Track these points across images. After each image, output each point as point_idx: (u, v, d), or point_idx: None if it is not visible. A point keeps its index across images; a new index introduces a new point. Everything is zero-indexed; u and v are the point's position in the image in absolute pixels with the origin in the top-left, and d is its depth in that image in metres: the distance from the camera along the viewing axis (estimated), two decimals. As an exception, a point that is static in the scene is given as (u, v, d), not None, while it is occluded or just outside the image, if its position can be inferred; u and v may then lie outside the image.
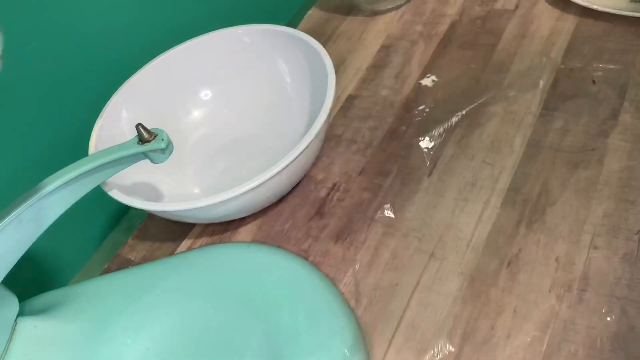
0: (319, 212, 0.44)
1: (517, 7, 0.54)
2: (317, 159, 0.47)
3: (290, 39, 0.47)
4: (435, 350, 0.34)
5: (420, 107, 0.49)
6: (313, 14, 0.63)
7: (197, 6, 0.54)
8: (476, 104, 0.47)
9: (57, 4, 0.42)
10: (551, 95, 0.46)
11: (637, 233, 0.36)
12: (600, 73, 0.45)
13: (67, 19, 0.43)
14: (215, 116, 0.51)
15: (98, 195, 0.38)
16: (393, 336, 0.36)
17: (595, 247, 0.36)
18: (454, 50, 0.53)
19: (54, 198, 0.33)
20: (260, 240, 0.44)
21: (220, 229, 0.45)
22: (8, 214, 0.30)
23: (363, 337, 0.36)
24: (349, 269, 0.40)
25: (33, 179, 0.33)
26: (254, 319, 0.35)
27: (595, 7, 0.49)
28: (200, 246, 0.44)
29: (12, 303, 0.33)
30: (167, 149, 0.35)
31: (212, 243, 0.44)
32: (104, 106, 0.45)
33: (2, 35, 0.21)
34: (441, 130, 0.46)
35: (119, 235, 0.51)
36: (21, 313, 0.33)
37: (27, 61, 0.41)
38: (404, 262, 0.39)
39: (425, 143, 0.46)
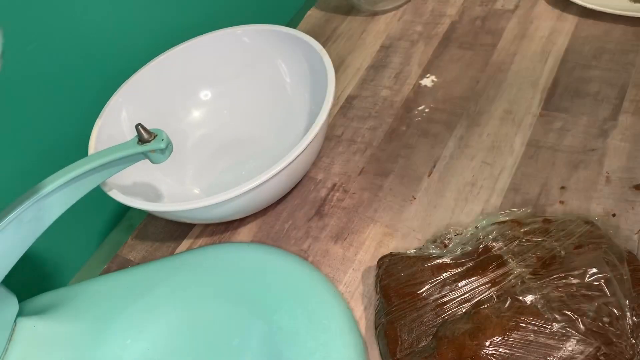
0: (319, 212, 0.44)
1: (517, 7, 0.54)
2: (317, 159, 0.47)
3: (290, 39, 0.47)
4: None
5: (420, 107, 0.49)
6: (313, 14, 0.63)
7: (197, 6, 0.54)
8: (476, 104, 0.47)
9: (57, 4, 0.42)
10: (551, 95, 0.46)
11: (637, 233, 0.36)
12: (600, 73, 0.46)
13: (67, 19, 0.43)
14: (215, 116, 0.51)
15: (98, 195, 0.38)
16: (393, 336, 0.36)
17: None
18: (454, 51, 0.53)
19: (54, 198, 0.33)
20: (260, 240, 0.44)
21: (220, 229, 0.45)
22: (8, 214, 0.30)
23: (362, 337, 0.36)
24: (348, 269, 0.40)
25: (33, 179, 0.33)
26: (254, 319, 0.35)
27: (595, 7, 0.49)
28: (200, 246, 0.44)
29: (12, 303, 0.33)
30: (167, 149, 0.35)
31: (212, 243, 0.44)
32: (103, 106, 0.45)
33: (2, 35, 0.21)
34: (441, 130, 0.46)
35: (119, 235, 0.50)
36: (21, 313, 0.33)
37: (27, 61, 0.41)
38: (404, 262, 0.39)
39: (425, 143, 0.46)
